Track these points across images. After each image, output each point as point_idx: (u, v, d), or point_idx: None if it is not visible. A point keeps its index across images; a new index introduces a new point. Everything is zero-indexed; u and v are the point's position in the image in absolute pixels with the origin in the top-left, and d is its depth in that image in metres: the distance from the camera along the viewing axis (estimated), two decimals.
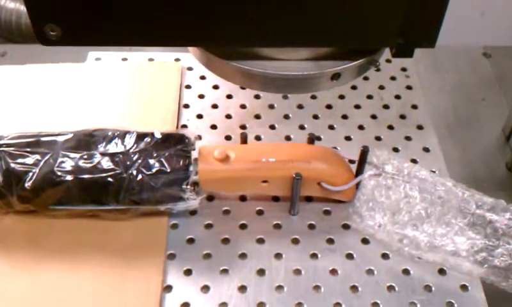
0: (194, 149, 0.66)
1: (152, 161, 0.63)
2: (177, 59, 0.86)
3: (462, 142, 0.82)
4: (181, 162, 0.64)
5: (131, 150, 0.64)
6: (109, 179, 0.62)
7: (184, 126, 0.78)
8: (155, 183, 0.62)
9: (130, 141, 0.64)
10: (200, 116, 0.79)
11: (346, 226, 0.68)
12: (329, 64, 0.53)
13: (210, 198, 0.70)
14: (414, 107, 0.82)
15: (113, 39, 0.50)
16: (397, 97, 0.83)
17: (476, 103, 0.87)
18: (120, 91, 0.81)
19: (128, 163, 0.63)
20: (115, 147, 0.64)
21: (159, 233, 0.66)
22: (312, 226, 0.68)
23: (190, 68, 0.85)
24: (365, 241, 0.66)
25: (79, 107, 0.79)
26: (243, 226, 0.67)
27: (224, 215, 0.68)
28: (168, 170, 0.63)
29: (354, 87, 0.84)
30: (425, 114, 0.81)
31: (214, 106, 0.81)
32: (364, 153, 0.67)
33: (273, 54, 0.53)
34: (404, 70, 0.87)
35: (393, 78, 0.86)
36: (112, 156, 0.63)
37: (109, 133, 0.65)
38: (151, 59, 0.87)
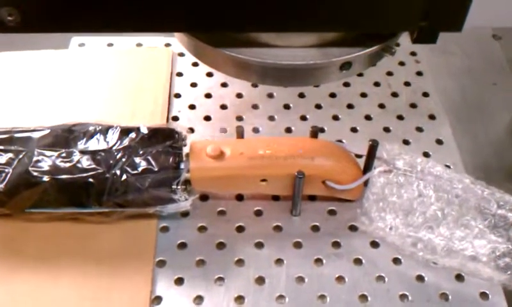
0: (185, 145, 0.60)
1: (137, 159, 0.57)
2: (168, 44, 0.80)
3: (471, 130, 0.76)
4: (170, 160, 0.58)
5: (114, 147, 0.57)
6: (90, 180, 0.56)
7: (175, 118, 0.71)
8: (141, 183, 0.56)
9: (113, 136, 0.58)
10: (192, 107, 0.73)
11: (353, 228, 0.61)
12: (338, 52, 0.46)
13: (204, 198, 0.63)
14: (425, 94, 0.75)
15: (82, 25, 0.43)
16: (407, 84, 0.77)
17: (486, 89, 0.81)
18: (104, 81, 0.74)
19: (111, 162, 0.57)
20: (96, 144, 0.58)
21: (146, 237, 0.60)
22: (315, 228, 0.62)
23: (181, 54, 0.78)
24: (374, 244, 0.60)
25: (59, 98, 0.72)
26: (240, 229, 0.61)
27: (220, 216, 0.62)
28: (156, 169, 0.57)
29: (359, 74, 0.77)
30: (438, 103, 0.75)
31: (208, 95, 0.74)
32: (373, 147, 0.60)
33: (272, 40, 0.46)
34: (413, 54, 0.81)
35: (401, 63, 0.79)
36: (94, 154, 0.57)
37: (90, 128, 0.59)
38: (139, 45, 0.80)
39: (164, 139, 0.58)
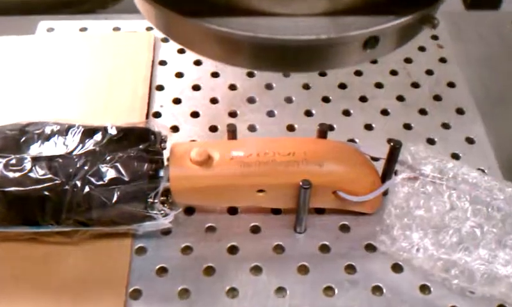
0: (164, 149, 0.49)
1: (103, 167, 0.46)
2: (149, 28, 0.69)
3: (492, 123, 0.64)
4: (145, 167, 0.47)
5: (75, 152, 0.47)
6: (45, 192, 0.46)
7: (156, 114, 0.61)
8: (108, 198, 0.45)
9: (74, 139, 0.47)
10: (177, 101, 0.62)
11: (371, 248, 0.51)
12: (359, 23, 0.33)
13: (189, 211, 0.53)
14: (451, 85, 0.64)
15: None
16: (429, 73, 0.66)
17: (507, 78, 0.70)
18: (75, 71, 0.64)
19: (70, 170, 0.46)
20: (53, 148, 0.47)
21: (118, 261, 0.50)
22: (325, 248, 0.51)
23: (165, 40, 0.67)
24: (397, 269, 0.50)
25: (22, 92, 0.61)
26: (233, 250, 0.51)
27: (208, 234, 0.52)
28: (127, 179, 0.46)
29: (372, 61, 0.66)
30: (466, 94, 0.63)
31: (196, 87, 0.63)
32: (394, 149, 0.49)
33: (267, 6, 0.33)
34: (435, 38, 0.70)
35: (422, 48, 0.68)
36: (50, 161, 0.46)
37: (47, 128, 0.48)
38: (116, 29, 0.69)
39: (137, 141, 0.48)
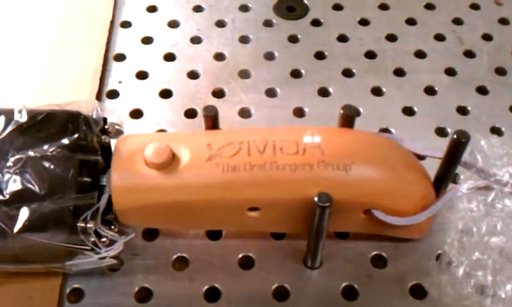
0: (106, 144, 0.32)
1: (4, 174, 0.29)
2: None
3: None
4: (70, 174, 0.30)
5: None
6: None
7: (112, 94, 0.44)
8: (8, 224, 0.28)
9: None
10: (142, 75, 0.45)
11: (419, 293, 0.34)
12: None
13: (149, 234, 0.36)
14: None
15: None
16: (487, 38, 0.49)
17: None
18: (4, 32, 0.47)
19: None
20: None
21: None
22: (350, 293, 0.34)
23: None
24: None
25: None
26: (213, 294, 0.34)
27: (177, 270, 0.35)
28: (41, 192, 0.29)
29: (410, 22, 0.49)
30: None
31: (169, 57, 0.46)
32: (459, 145, 0.32)
33: None
34: None
35: (475, 6, 0.51)
36: None
37: None
38: None
39: (60, 133, 0.30)
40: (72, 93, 0.43)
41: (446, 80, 0.45)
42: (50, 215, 0.29)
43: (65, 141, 0.30)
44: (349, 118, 0.33)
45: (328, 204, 0.30)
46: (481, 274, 0.31)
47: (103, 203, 0.31)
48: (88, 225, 0.30)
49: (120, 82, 0.44)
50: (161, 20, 0.49)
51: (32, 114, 0.31)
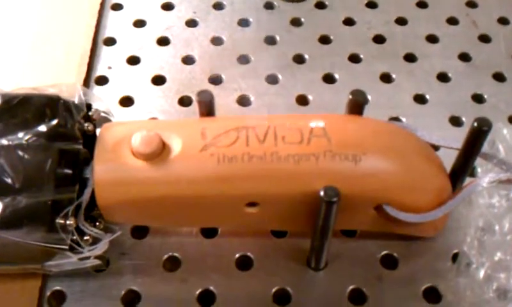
0: (90, 132, 0.29)
1: None
2: None
3: None
4: (48, 164, 0.27)
5: None
6: None
7: (101, 80, 0.41)
8: None
9: None
10: (133, 60, 0.42)
11: (434, 295, 0.31)
12: None
13: (138, 232, 0.33)
14: None
15: None
16: (503, 21, 0.46)
17: None
18: None
19: None
20: None
21: None
22: (357, 296, 0.31)
23: None
24: None
25: None
26: (207, 297, 0.31)
27: (168, 271, 0.32)
28: (15, 185, 0.26)
29: (421, 4, 0.46)
30: None
31: (163, 41, 0.43)
32: (480, 134, 0.29)
33: None
34: None
35: None
36: None
37: None
38: None
39: (38, 119, 0.27)
40: (58, 78, 0.40)
41: (460, 66, 0.42)
42: (25, 210, 0.26)
43: (42, 128, 0.27)
44: (358, 104, 0.30)
45: (335, 199, 0.27)
46: (504, 276, 0.28)
47: (86, 197, 0.28)
48: (68, 221, 0.27)
49: (109, 67, 0.41)
50: (154, 1, 0.46)
51: (6, 98, 0.28)
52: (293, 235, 0.33)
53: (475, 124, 0.29)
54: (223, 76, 0.41)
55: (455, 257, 0.31)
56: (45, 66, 0.41)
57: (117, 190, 0.28)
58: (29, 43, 0.42)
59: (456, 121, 0.39)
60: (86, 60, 0.41)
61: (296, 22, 0.44)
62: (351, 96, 0.30)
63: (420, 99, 0.40)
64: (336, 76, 0.41)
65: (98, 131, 0.30)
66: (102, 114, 0.32)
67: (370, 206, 0.29)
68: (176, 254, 0.32)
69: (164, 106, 0.39)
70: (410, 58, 0.42)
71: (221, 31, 0.44)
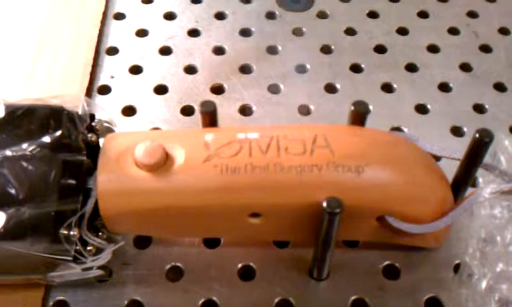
0: (93, 143, 0.29)
1: None
2: None
3: None
4: (52, 175, 0.27)
5: None
6: None
7: (104, 89, 0.41)
8: None
9: None
10: (136, 70, 0.42)
11: (435, 306, 0.31)
12: None
13: (141, 242, 0.33)
14: None
15: None
16: (504, 32, 0.46)
17: None
18: None
19: None
20: None
21: None
22: (359, 306, 0.31)
23: None
24: None
25: None
26: None
27: (171, 281, 0.32)
28: (19, 196, 0.26)
29: (423, 15, 0.46)
30: None
31: (165, 51, 0.43)
32: (481, 145, 0.29)
33: None
34: None
35: None
36: None
37: None
38: None
39: (42, 130, 0.28)
40: (61, 88, 0.40)
41: (461, 76, 0.42)
42: (29, 221, 0.26)
43: (47, 139, 0.27)
44: (360, 115, 0.30)
45: (338, 210, 0.27)
46: (506, 287, 0.28)
47: (89, 207, 0.29)
48: (72, 232, 0.27)
49: (112, 77, 0.41)
50: (157, 11, 0.46)
51: (11, 109, 0.28)
52: (295, 246, 0.33)
53: (477, 135, 0.29)
54: (225, 85, 0.41)
55: (457, 268, 0.31)
56: (48, 76, 0.41)
57: (120, 200, 0.28)
58: (32, 53, 0.42)
59: (457, 131, 0.39)
60: (89, 69, 0.41)
61: (297, 32, 0.45)
62: (353, 108, 0.30)
63: (421, 109, 0.40)
64: (338, 86, 0.41)
65: (101, 141, 0.31)
66: (105, 124, 0.32)
67: (373, 217, 0.29)
68: (179, 264, 0.32)
69: (166, 115, 0.39)
70: (411, 68, 0.42)
71: (223, 41, 0.44)
